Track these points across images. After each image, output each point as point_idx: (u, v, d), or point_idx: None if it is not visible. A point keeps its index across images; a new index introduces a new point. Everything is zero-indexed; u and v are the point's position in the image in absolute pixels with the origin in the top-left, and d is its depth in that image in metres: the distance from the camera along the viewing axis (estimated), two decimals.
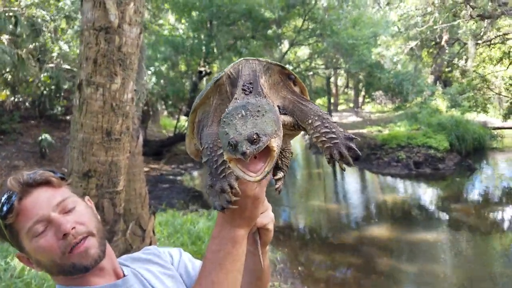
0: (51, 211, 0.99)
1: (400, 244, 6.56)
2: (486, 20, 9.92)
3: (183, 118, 16.62)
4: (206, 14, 12.89)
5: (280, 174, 1.00)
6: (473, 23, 10.95)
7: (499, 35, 11.30)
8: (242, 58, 0.89)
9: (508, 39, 11.37)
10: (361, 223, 7.76)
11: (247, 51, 14.01)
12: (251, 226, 0.95)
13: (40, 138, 10.65)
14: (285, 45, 14.52)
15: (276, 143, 0.71)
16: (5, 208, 0.97)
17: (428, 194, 9.82)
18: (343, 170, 0.84)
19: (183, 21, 14.14)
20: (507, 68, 11.77)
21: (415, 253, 6.19)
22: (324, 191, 10.66)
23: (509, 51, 11.32)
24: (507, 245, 6.33)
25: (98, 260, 1.01)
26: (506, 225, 7.25)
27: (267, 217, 1.03)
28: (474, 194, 9.50)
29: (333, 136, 0.81)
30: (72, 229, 0.97)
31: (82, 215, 1.03)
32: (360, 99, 19.13)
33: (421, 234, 6.89)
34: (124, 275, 1.09)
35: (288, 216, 8.67)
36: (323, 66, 14.93)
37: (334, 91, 19.52)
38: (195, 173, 13.82)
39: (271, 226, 1.04)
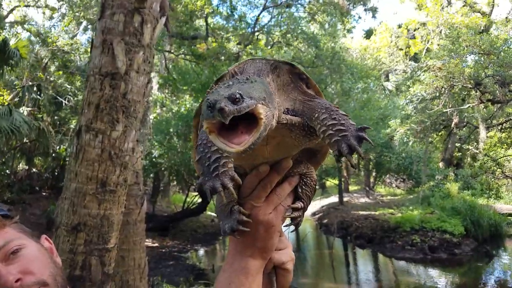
0: None
1: None
2: (496, 105, 10.10)
3: (193, 193, 16.50)
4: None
5: (299, 204, 0.86)
6: (483, 107, 11.17)
7: (509, 120, 11.40)
8: (249, 58, 0.81)
9: None
10: None
11: None
12: (265, 259, 0.84)
13: (48, 209, 10.51)
14: None
15: (264, 111, 0.60)
16: None
17: (444, 280, 9.20)
18: (353, 167, 0.70)
19: (200, 100, 14.77)
20: None
21: None
22: (335, 273, 10.09)
23: None
24: None
25: None
26: None
27: (285, 254, 0.90)
28: (492, 282, 8.90)
29: (342, 128, 0.70)
30: (16, 281, 0.79)
31: (30, 261, 0.84)
32: (372, 180, 18.90)
33: None
34: None
35: None
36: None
37: (345, 172, 19.45)
38: (201, 251, 13.36)
39: (290, 266, 0.90)
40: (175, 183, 18.34)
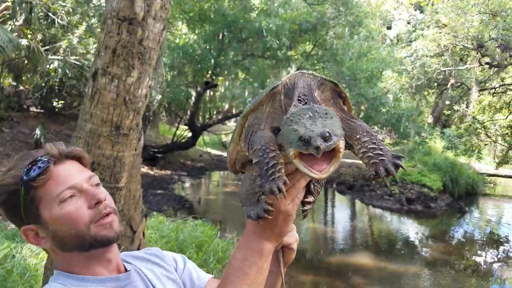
0: (84, 182, 0.98)
1: (382, 274, 6.66)
2: (493, 69, 10.14)
3: (183, 127, 16.63)
4: (219, 27, 13.05)
5: (310, 198, 1.01)
6: (480, 70, 11.19)
7: (502, 85, 11.56)
8: (298, 71, 0.88)
9: (510, 89, 11.65)
10: (347, 249, 7.91)
11: (255, 68, 14.13)
12: (278, 242, 0.97)
13: (37, 129, 10.53)
14: (293, 68, 14.67)
15: (342, 146, 0.73)
16: (39, 169, 0.94)
17: (416, 230, 9.92)
18: (387, 186, 0.85)
19: (196, 31, 14.28)
20: (506, 117, 11.98)
21: (395, 283, 6.33)
22: (314, 216, 10.72)
23: (510, 101, 11.57)
24: (484, 286, 6.48)
25: (119, 235, 1.00)
26: (484, 267, 7.40)
27: (292, 236, 1.05)
28: (460, 235, 9.63)
29: (381, 152, 0.81)
30: (104, 199, 0.99)
31: (106, 193, 1.03)
32: None
33: (402, 267, 7.04)
34: (127, 271, 1.06)
35: None
36: None
37: None
38: (188, 183, 13.78)
39: (295, 246, 1.06)
40: (163, 113, 18.30)
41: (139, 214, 3.95)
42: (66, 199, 0.94)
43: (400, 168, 0.81)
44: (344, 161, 15.27)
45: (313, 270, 6.57)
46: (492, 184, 12.64)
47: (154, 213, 7.24)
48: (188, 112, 15.64)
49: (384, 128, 12.58)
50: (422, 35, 11.64)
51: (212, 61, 13.43)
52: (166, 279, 1.12)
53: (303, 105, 0.81)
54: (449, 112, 15.51)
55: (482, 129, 11.52)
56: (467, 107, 11.81)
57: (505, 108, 11.89)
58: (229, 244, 5.92)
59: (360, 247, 8.18)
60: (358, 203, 12.06)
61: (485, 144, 12.41)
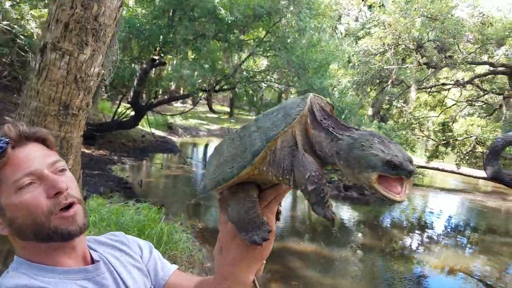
0: (45, 168, 0.89)
1: (318, 257, 7.02)
2: (430, 69, 10.92)
3: (125, 105, 15.91)
4: (170, 2, 12.56)
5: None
6: (418, 70, 12.01)
7: (437, 85, 12.53)
8: (311, 94, 0.85)
9: (444, 89, 12.69)
10: (286, 235, 8.09)
11: (206, 49, 13.85)
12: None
13: None
14: (245, 52, 14.63)
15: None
16: None
17: (350, 216, 10.54)
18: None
19: (144, 5, 13.62)
20: (439, 115, 13.03)
21: (329, 266, 6.69)
22: None
23: (443, 101, 12.62)
24: (408, 268, 7.05)
25: (83, 229, 0.92)
26: (410, 251, 8.00)
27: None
28: (389, 221, 10.34)
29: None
30: (66, 189, 0.89)
31: (71, 181, 0.94)
32: None
33: (337, 250, 7.44)
34: (93, 260, 0.99)
35: (215, 219, 8.75)
36: (278, 81, 15.25)
37: None
38: (128, 165, 13.31)
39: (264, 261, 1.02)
40: (103, 89, 17.36)
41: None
42: (24, 187, 0.86)
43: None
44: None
45: None
46: (421, 175, 13.70)
47: (94, 195, 6.91)
48: (132, 89, 14.98)
49: None
50: (369, 33, 12.19)
51: (161, 38, 12.94)
52: (132, 267, 1.06)
53: (329, 126, 0.79)
54: (387, 107, 16.52)
55: (417, 125, 12.44)
56: (405, 103, 12.67)
57: (438, 107, 12.93)
58: (173, 228, 5.86)
59: (299, 233, 8.46)
60: (298, 191, 12.46)
61: (418, 138, 13.40)
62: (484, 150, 11.04)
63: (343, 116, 11.86)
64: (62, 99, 2.52)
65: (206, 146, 21.38)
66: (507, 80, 10.15)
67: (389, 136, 12.97)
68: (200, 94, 16.69)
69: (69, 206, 0.89)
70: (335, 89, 13.13)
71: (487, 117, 13.22)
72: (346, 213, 10.77)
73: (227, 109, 30.89)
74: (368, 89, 14.54)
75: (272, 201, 0.89)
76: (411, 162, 0.68)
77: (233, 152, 0.81)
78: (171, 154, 16.75)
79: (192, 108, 18.72)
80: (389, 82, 12.33)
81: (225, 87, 15.61)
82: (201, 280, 1.08)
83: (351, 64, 12.89)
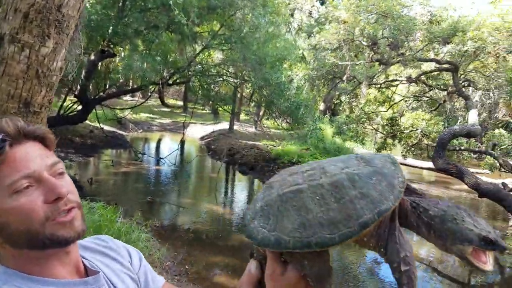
0: (44, 170, 0.81)
1: None
2: (382, 66, 11.44)
3: (72, 99, 15.00)
4: None
5: None
6: (371, 66, 12.52)
7: (386, 81, 13.18)
8: (394, 157, 0.85)
9: (392, 85, 13.39)
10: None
11: (158, 41, 13.42)
12: None
13: None
14: (199, 44, 14.36)
15: None
16: None
17: None
18: None
19: None
20: (387, 110, 13.72)
21: None
22: (216, 195, 10.91)
23: (391, 96, 13.32)
24: (362, 254, 7.29)
25: (81, 235, 0.85)
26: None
27: None
28: None
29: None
30: (66, 194, 0.82)
31: (71, 185, 0.87)
32: (261, 113, 19.97)
33: None
34: (86, 269, 0.91)
35: (177, 215, 8.64)
36: (233, 75, 15.14)
37: (238, 101, 20.00)
38: (75, 162, 12.65)
39: None
40: None
41: None
42: (21, 190, 0.78)
43: None
44: (248, 142, 15.78)
45: (214, 250, 6.69)
46: None
47: None
48: (79, 82, 14.15)
49: (286, 114, 13.23)
50: (323, 29, 12.49)
51: (110, 28, 12.32)
52: (125, 276, 0.99)
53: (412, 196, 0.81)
54: (338, 102, 17.10)
55: (367, 119, 13.00)
56: (356, 99, 13.18)
57: (387, 102, 13.62)
58: (131, 227, 5.67)
59: None
60: (258, 182, 12.62)
61: (367, 131, 14.02)
62: (429, 142, 11.77)
63: (300, 112, 12.09)
64: (22, 95, 2.30)
65: (159, 141, 20.84)
66: (451, 77, 10.88)
67: (342, 129, 13.46)
68: (152, 87, 16.17)
69: (68, 211, 0.83)
70: (291, 84, 13.32)
71: (432, 111, 14.13)
72: None
73: (180, 103, 30.30)
74: (322, 85, 14.94)
75: None
76: (500, 237, 0.73)
77: (331, 216, 0.73)
78: (121, 150, 16.14)
79: (144, 102, 18.11)
80: (344, 78, 12.75)
81: (179, 80, 15.24)
82: None
83: (306, 59, 13.13)
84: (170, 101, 32.24)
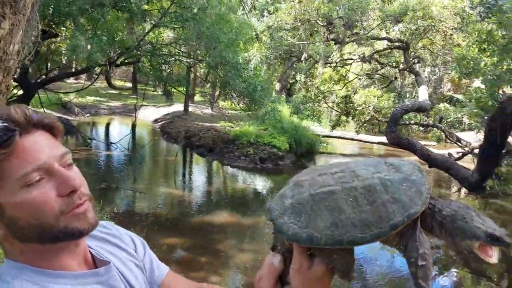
0: (55, 161, 0.79)
1: (238, 227, 7.28)
2: (337, 45, 11.64)
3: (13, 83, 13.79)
4: None
5: None
6: (327, 46, 12.69)
7: (341, 60, 13.48)
8: (418, 164, 0.91)
9: (346, 64, 13.72)
10: (206, 208, 8.24)
11: (104, 20, 12.62)
12: None
13: None
14: (148, 23, 13.70)
15: None
16: (0, 139, 0.72)
17: (266, 186, 11.06)
18: None
19: None
20: (342, 88, 14.08)
21: (248, 234, 7.00)
22: (174, 178, 10.75)
23: (346, 75, 13.67)
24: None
25: (94, 227, 0.83)
26: None
27: None
28: None
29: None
30: (80, 187, 0.81)
31: (81, 176, 0.85)
32: (216, 94, 19.61)
33: (254, 219, 7.83)
34: (94, 260, 0.89)
35: (135, 201, 8.44)
36: (186, 54, 14.65)
37: (192, 81, 19.47)
38: None
39: None
40: None
41: None
42: (33, 183, 0.74)
43: None
44: (204, 124, 15.51)
45: (175, 233, 6.67)
46: (325, 144, 14.82)
47: None
48: (19, 65, 13.04)
49: (242, 95, 13.10)
50: (279, 8, 12.40)
51: (52, 7, 11.37)
52: (132, 265, 0.97)
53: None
54: (293, 81, 17.25)
55: (323, 98, 13.27)
56: (312, 78, 13.38)
57: (341, 81, 13.96)
58: None
59: (219, 205, 8.63)
60: (218, 164, 12.56)
61: (323, 110, 14.35)
62: (380, 118, 12.28)
63: (257, 93, 12.05)
64: None
65: (109, 125, 20.00)
66: (402, 55, 11.33)
67: (298, 108, 13.65)
68: (98, 69, 15.31)
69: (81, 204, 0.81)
70: (249, 64, 13.19)
71: (383, 88, 14.72)
72: (262, 183, 11.24)
73: (129, 85, 29.07)
74: (278, 64, 14.96)
75: None
76: (506, 235, 0.80)
77: (363, 217, 0.79)
78: (68, 136, 15.27)
79: (90, 85, 17.11)
80: (302, 58, 12.82)
81: (127, 61, 14.51)
82: None
83: (262, 39, 13.01)
84: (118, 83, 30.85)
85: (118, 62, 14.29)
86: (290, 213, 0.82)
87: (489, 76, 6.95)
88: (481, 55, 7.70)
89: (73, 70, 18.80)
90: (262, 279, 0.90)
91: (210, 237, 6.67)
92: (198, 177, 11.49)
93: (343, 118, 13.48)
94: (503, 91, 6.93)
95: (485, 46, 7.69)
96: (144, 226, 6.87)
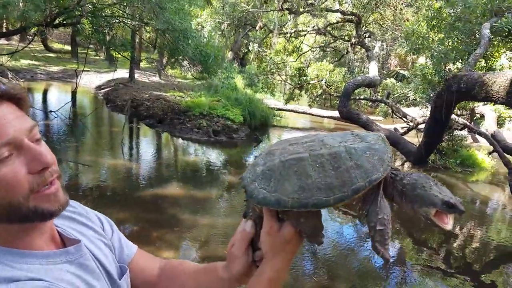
0: (24, 135, 0.74)
1: (191, 200, 7.14)
2: (291, 15, 11.43)
3: None
4: None
5: None
6: (281, 15, 12.43)
7: (295, 31, 13.31)
8: (383, 135, 0.95)
9: (300, 35, 13.59)
10: (158, 182, 7.96)
11: None
12: None
13: None
14: None
15: None
16: None
17: (219, 158, 10.91)
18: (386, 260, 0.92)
19: None
20: (296, 60, 14.02)
21: (200, 207, 6.91)
22: (121, 150, 10.26)
23: (299, 46, 13.56)
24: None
25: (65, 207, 0.81)
26: None
27: None
28: (252, 158, 10.92)
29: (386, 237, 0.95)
30: (52, 164, 0.77)
31: (50, 152, 0.80)
32: (165, 61, 18.66)
33: (207, 191, 7.74)
34: (62, 239, 0.87)
35: (80, 174, 7.97)
36: (130, 17, 13.66)
37: (138, 46, 18.33)
38: None
39: None
40: None
41: None
42: (1, 160, 0.70)
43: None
44: (153, 93, 14.78)
45: (123, 207, 6.41)
46: (279, 117, 14.86)
47: None
48: None
49: (192, 63, 12.59)
50: None
51: None
52: (99, 242, 0.95)
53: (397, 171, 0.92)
54: (246, 50, 16.90)
55: (277, 70, 13.15)
56: (266, 48, 13.13)
57: (295, 52, 13.85)
58: None
59: (170, 178, 8.38)
60: (168, 136, 12.12)
61: (277, 83, 14.26)
62: (332, 92, 12.48)
63: (210, 61, 11.64)
64: None
65: (46, 91, 18.56)
66: (353, 28, 11.42)
67: (252, 80, 13.45)
68: (33, 29, 13.94)
69: (51, 182, 0.78)
70: (202, 31, 12.62)
71: (335, 62, 14.88)
72: (216, 156, 11.06)
73: (68, 48, 26.96)
74: (232, 32, 14.52)
75: None
76: (461, 203, 0.84)
77: (328, 182, 0.83)
78: None
79: (25, 47, 15.54)
80: (257, 27, 12.49)
81: (66, 22, 13.30)
82: (196, 269, 1.06)
83: (213, 5, 12.44)
84: (56, 46, 28.51)
85: (55, 22, 13.16)
86: (260, 179, 0.86)
87: (436, 53, 7.20)
88: (429, 31, 7.93)
89: (5, 30, 16.95)
90: (234, 245, 0.94)
91: (162, 211, 6.50)
92: (148, 150, 11.03)
93: (297, 91, 13.53)
94: (448, 69, 7.22)
95: (434, 23, 7.94)
96: (90, 200, 6.53)
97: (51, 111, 12.71)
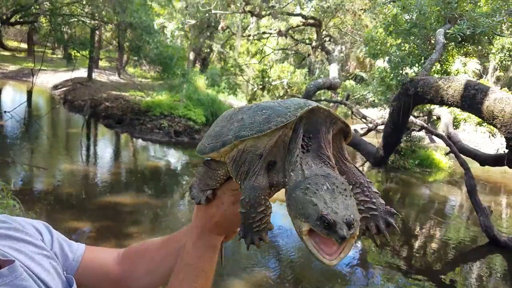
0: None
1: (150, 206, 6.90)
2: (254, 17, 11.44)
3: None
4: None
5: None
6: (243, 17, 12.41)
7: (261, 33, 13.37)
8: (315, 104, 0.75)
9: (263, 38, 13.68)
10: (115, 186, 7.70)
11: None
12: None
13: None
14: None
15: (359, 231, 0.62)
16: None
17: (180, 160, 10.76)
18: (377, 246, 0.77)
19: None
20: (259, 62, 14.07)
21: (163, 212, 6.70)
22: (79, 153, 9.85)
23: (262, 49, 13.66)
24: None
25: None
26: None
27: None
28: None
29: (373, 207, 0.73)
30: None
31: None
32: (125, 60, 18.10)
33: (167, 194, 7.63)
34: None
35: (34, 177, 7.59)
36: (90, 16, 13.18)
37: (97, 45, 17.66)
38: None
39: None
40: None
41: None
42: None
43: (392, 228, 0.73)
44: (112, 93, 14.28)
45: (78, 213, 6.11)
46: None
47: None
48: None
49: (153, 62, 12.33)
50: None
51: None
52: (41, 257, 0.87)
53: (303, 152, 0.72)
54: (208, 51, 16.78)
55: (240, 71, 13.13)
56: (229, 49, 13.08)
57: (258, 54, 13.91)
58: None
59: (129, 182, 8.16)
60: (128, 137, 11.76)
61: (240, 83, 14.26)
62: (293, 93, 12.64)
63: (173, 62, 11.42)
64: None
65: (0, 91, 17.61)
66: (314, 32, 11.62)
67: (215, 80, 13.35)
68: None
69: None
70: (164, 31, 12.37)
71: (297, 64, 15.07)
72: (178, 158, 10.88)
73: (25, 46, 25.71)
74: (195, 34, 14.33)
75: None
76: (349, 225, 0.58)
77: (218, 130, 0.81)
78: None
79: None
80: (219, 28, 12.39)
81: (23, 20, 12.69)
82: (146, 246, 1.07)
83: (174, 6, 12.23)
84: (11, 44, 27.10)
85: (12, 20, 12.56)
86: (205, 139, 0.86)
87: (393, 58, 7.46)
88: (387, 37, 8.22)
89: None
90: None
91: (120, 217, 6.22)
92: (106, 151, 10.64)
93: (259, 92, 13.58)
94: (406, 73, 7.51)
95: (391, 29, 8.23)
96: (45, 205, 6.19)
97: (5, 112, 12.05)
